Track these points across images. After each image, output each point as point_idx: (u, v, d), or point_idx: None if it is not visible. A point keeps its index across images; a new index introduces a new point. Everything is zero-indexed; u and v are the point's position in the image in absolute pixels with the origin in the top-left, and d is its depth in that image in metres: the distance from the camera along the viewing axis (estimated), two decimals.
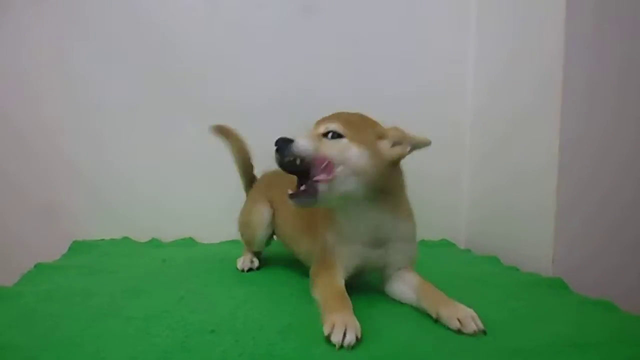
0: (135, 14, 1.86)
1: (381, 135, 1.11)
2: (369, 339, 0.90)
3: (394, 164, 1.13)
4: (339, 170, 1.04)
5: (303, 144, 1.03)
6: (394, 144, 1.11)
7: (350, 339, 0.87)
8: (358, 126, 1.10)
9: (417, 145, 1.13)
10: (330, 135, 1.07)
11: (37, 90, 1.83)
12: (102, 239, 1.82)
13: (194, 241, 1.85)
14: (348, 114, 1.14)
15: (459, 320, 0.96)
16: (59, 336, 0.90)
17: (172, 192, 1.89)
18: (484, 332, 0.94)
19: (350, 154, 1.05)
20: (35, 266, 1.40)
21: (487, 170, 1.87)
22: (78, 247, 1.69)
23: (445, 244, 1.91)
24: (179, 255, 1.61)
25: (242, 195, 1.59)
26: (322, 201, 1.05)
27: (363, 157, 1.06)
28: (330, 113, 1.15)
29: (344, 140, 1.06)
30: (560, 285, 1.29)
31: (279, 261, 1.53)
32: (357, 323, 0.92)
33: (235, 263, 1.43)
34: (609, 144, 1.42)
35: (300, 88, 1.88)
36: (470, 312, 0.98)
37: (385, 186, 1.11)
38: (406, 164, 1.88)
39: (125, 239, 1.84)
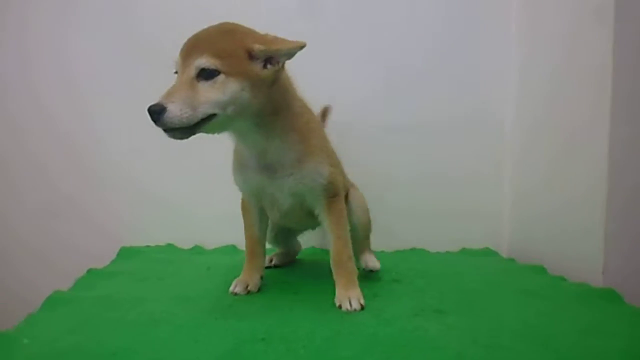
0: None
1: (251, 54, 1.02)
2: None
3: (273, 83, 1.07)
4: (224, 111, 1.01)
5: (175, 115, 0.95)
6: (266, 62, 1.04)
7: (238, 289, 1.24)
8: (230, 50, 1.00)
9: (290, 54, 1.04)
10: (204, 74, 0.99)
11: (86, 98, 1.89)
12: (148, 246, 1.86)
13: (236, 249, 1.87)
14: (215, 33, 1.04)
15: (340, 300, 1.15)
16: (117, 343, 0.93)
17: (214, 200, 1.91)
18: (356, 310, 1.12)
19: (230, 92, 0.99)
20: (87, 272, 1.45)
21: (530, 174, 1.82)
22: (125, 254, 1.74)
23: (488, 253, 1.88)
24: (223, 262, 1.64)
25: None
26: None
27: (245, 91, 1.01)
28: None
29: (220, 78, 0.99)
30: (613, 297, 1.25)
31: (321, 271, 1.54)
32: (254, 279, 1.27)
33: (276, 271, 1.47)
34: None
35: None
36: (355, 294, 1.16)
37: (267, 109, 1.08)
38: (446, 167, 1.90)
39: (169, 245, 1.88)
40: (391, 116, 1.90)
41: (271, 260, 1.58)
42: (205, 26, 1.08)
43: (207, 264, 1.61)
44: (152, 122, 0.96)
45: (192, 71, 0.99)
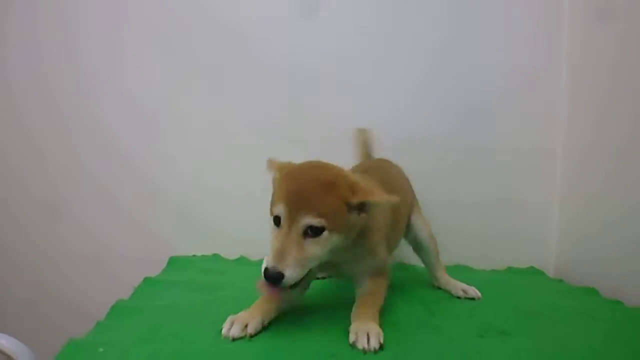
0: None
1: (348, 203, 1.05)
2: None
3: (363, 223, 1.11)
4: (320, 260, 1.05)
5: (291, 279, 0.99)
6: (360, 210, 1.08)
7: (233, 331, 1.03)
8: (333, 207, 1.03)
9: (378, 206, 1.11)
10: (310, 231, 1.01)
11: (144, 113, 1.93)
12: (194, 255, 1.89)
13: None
14: (319, 189, 1.04)
15: (356, 333, 1.01)
16: (190, 354, 0.96)
17: (258, 211, 1.92)
18: (375, 351, 0.97)
19: (331, 245, 1.04)
20: (143, 280, 1.48)
21: (581, 190, 1.80)
22: (175, 263, 1.76)
23: (534, 272, 1.86)
24: None
25: None
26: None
27: (341, 240, 1.06)
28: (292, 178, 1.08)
29: (324, 235, 1.02)
30: None
31: None
32: (255, 319, 1.07)
33: (333, 284, 1.47)
34: None
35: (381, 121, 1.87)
36: (374, 329, 1.02)
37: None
38: (493, 186, 1.90)
39: (215, 255, 1.91)
40: (444, 137, 1.90)
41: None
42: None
43: (255, 275, 1.61)
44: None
45: (300, 229, 1.01)
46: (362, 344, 0.98)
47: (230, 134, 1.93)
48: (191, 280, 1.53)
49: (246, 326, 1.05)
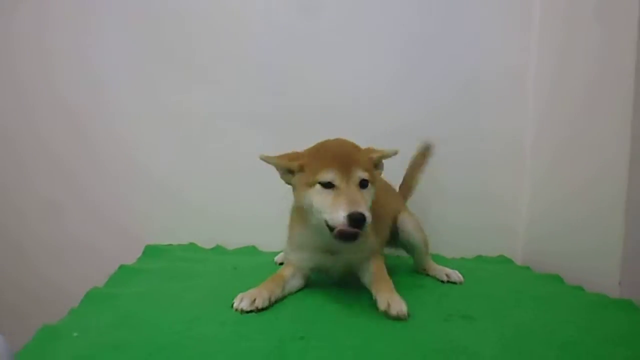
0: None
1: (372, 159, 1.28)
2: None
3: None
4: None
5: (370, 218, 1.11)
6: (376, 167, 1.30)
7: (243, 304, 1.12)
8: (369, 163, 1.25)
9: (390, 155, 1.32)
10: (362, 184, 1.20)
11: (111, 101, 1.93)
12: (171, 244, 1.90)
13: (256, 249, 1.91)
14: (355, 151, 1.26)
15: (388, 303, 1.12)
16: (163, 338, 0.98)
17: (235, 201, 1.95)
18: (405, 318, 1.09)
19: (372, 195, 1.23)
20: (119, 268, 1.49)
21: (548, 184, 1.86)
22: (151, 252, 1.77)
23: (503, 261, 1.92)
24: (247, 263, 1.67)
25: None
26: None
27: (373, 194, 1.25)
28: (335, 144, 1.28)
29: (369, 187, 1.22)
30: (631, 307, 1.29)
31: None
32: (265, 294, 1.16)
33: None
34: None
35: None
36: (400, 301, 1.13)
37: None
38: (465, 177, 1.95)
39: (192, 244, 1.92)
40: (417, 129, 1.91)
41: None
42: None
43: (231, 263, 1.64)
44: (349, 226, 1.09)
45: (356, 182, 1.18)
46: (395, 310, 1.10)
47: (207, 123, 1.95)
48: (167, 268, 1.54)
49: (254, 301, 1.14)
